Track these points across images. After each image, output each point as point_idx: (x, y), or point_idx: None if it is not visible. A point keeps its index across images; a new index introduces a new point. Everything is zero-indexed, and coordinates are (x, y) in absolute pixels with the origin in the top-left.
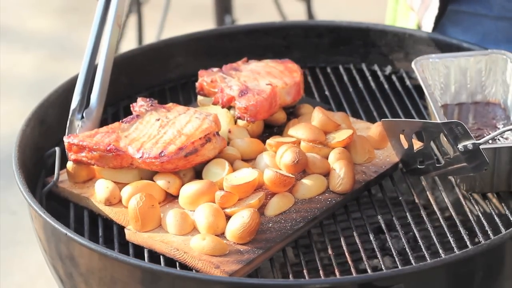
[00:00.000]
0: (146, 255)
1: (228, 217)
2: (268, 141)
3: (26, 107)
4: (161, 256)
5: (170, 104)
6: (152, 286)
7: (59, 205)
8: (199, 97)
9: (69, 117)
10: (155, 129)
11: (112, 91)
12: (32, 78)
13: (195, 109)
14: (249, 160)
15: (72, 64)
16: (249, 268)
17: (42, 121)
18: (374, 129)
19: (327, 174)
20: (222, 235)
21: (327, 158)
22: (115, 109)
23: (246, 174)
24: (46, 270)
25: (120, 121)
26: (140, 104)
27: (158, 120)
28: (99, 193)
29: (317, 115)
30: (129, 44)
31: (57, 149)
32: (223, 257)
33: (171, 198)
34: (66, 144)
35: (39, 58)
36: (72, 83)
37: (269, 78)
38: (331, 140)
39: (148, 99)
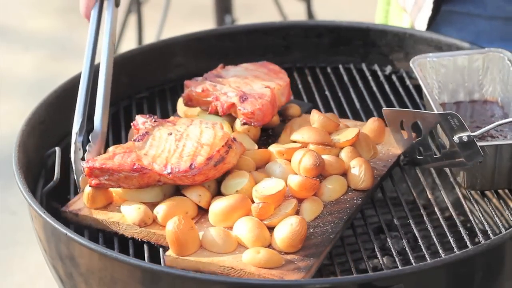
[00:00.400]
0: (146, 255)
1: (268, 229)
2: (276, 149)
3: (26, 107)
4: (161, 256)
5: (172, 118)
6: (152, 286)
7: (59, 205)
8: (181, 108)
9: (73, 140)
10: (172, 143)
11: (112, 91)
12: (32, 78)
13: (198, 119)
14: (257, 169)
15: (72, 64)
16: (309, 276)
17: (42, 121)
18: (369, 126)
19: (343, 174)
20: (268, 247)
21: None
22: (115, 109)
23: (273, 184)
24: (46, 270)
25: (132, 140)
26: (142, 121)
27: (171, 134)
28: (131, 215)
29: (318, 117)
30: (129, 44)
31: (57, 149)
32: (280, 269)
33: (201, 212)
34: (86, 170)
35: (39, 58)
36: (72, 83)
37: (260, 82)
38: (337, 140)
39: (147, 115)
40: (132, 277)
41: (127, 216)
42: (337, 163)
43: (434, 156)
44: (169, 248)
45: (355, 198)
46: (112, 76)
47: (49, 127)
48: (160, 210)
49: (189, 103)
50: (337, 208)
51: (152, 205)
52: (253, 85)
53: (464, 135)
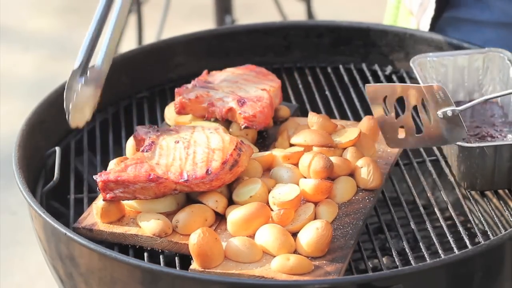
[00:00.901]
0: (146, 254)
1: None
2: (280, 154)
3: (26, 107)
4: (160, 256)
5: (173, 126)
6: (152, 286)
7: (59, 205)
8: (172, 117)
9: (68, 80)
10: (182, 151)
11: (113, 90)
12: (32, 78)
13: (200, 125)
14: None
15: (72, 64)
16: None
17: (42, 121)
18: (364, 124)
19: (350, 174)
20: (294, 253)
21: None
22: (116, 109)
23: (287, 189)
24: (46, 270)
25: (141, 150)
26: (145, 131)
27: (178, 142)
28: (151, 226)
29: (316, 119)
30: (129, 44)
31: (57, 149)
32: (311, 275)
33: (217, 219)
34: (100, 184)
35: (39, 58)
36: None
37: (253, 85)
38: (339, 141)
39: (148, 126)
40: (132, 277)
41: (147, 228)
42: (344, 164)
43: (416, 135)
44: (190, 257)
45: (366, 198)
46: (112, 75)
47: (49, 127)
48: (180, 219)
49: (182, 111)
50: (352, 209)
51: (167, 215)
52: (247, 88)
53: (448, 110)
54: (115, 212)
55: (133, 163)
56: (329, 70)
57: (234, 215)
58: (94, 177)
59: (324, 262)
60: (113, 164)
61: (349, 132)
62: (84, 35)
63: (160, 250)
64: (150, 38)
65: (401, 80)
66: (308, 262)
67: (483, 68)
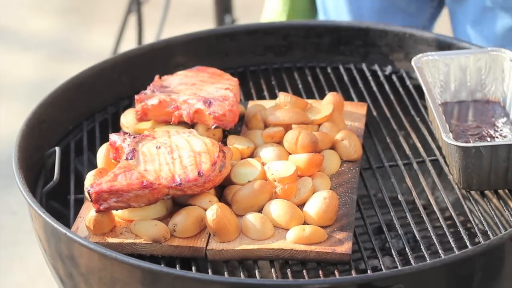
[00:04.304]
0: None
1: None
2: (264, 133)
3: (26, 107)
4: (160, 256)
5: (147, 132)
6: (152, 286)
7: (59, 205)
8: (131, 125)
9: None
10: (166, 156)
11: (113, 91)
12: (32, 78)
13: (174, 129)
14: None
15: (72, 65)
16: (352, 246)
17: (42, 121)
18: (329, 101)
19: (330, 148)
20: (303, 224)
21: None
22: (116, 109)
23: (282, 165)
24: (46, 270)
25: (124, 158)
26: (122, 139)
27: (160, 148)
28: (149, 232)
29: (289, 98)
30: (129, 44)
31: (57, 149)
32: (327, 243)
33: None
34: (93, 195)
35: (39, 59)
36: (72, 83)
37: (213, 85)
38: (314, 117)
39: (122, 133)
40: (132, 277)
41: (144, 235)
42: (326, 138)
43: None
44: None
45: (352, 168)
46: (112, 75)
47: (49, 127)
48: (178, 222)
49: (144, 117)
50: (342, 180)
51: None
52: (207, 89)
53: None
54: (108, 222)
55: (121, 171)
56: (329, 70)
57: (240, 196)
58: (86, 188)
59: (334, 230)
60: (91, 176)
61: (322, 108)
62: (84, 35)
63: (160, 256)
64: (150, 38)
65: (401, 80)
66: (322, 231)
67: (486, 68)
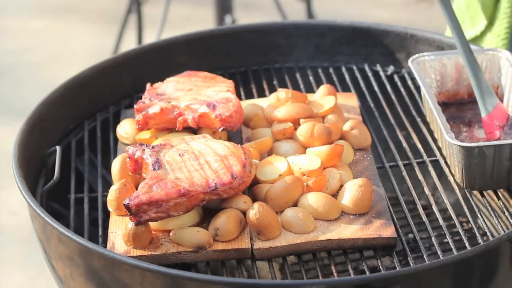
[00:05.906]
0: None
1: None
2: (274, 130)
3: (26, 107)
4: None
5: (164, 141)
6: (152, 286)
7: (59, 205)
8: (131, 136)
9: None
10: (193, 162)
11: (114, 90)
12: (32, 78)
13: (189, 136)
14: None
15: (72, 65)
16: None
17: (42, 121)
18: (323, 92)
19: (340, 139)
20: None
21: None
22: (117, 108)
23: (305, 159)
24: (46, 270)
25: (152, 169)
26: (141, 150)
27: (183, 155)
28: (193, 240)
29: (290, 94)
30: (129, 44)
31: (57, 148)
32: (370, 229)
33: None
34: (133, 208)
35: (39, 59)
36: (72, 82)
37: (210, 89)
38: (317, 110)
39: (138, 144)
40: (132, 277)
41: (188, 242)
42: (337, 129)
43: None
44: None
45: (366, 156)
46: (113, 74)
47: (49, 126)
48: (220, 226)
49: (145, 126)
50: (361, 168)
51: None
52: (206, 93)
53: None
54: (147, 235)
55: (154, 182)
56: (331, 70)
57: (274, 191)
58: (124, 202)
59: (373, 215)
60: (115, 191)
61: (325, 101)
62: (84, 35)
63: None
64: (150, 38)
65: (403, 80)
66: (366, 219)
67: (483, 68)
